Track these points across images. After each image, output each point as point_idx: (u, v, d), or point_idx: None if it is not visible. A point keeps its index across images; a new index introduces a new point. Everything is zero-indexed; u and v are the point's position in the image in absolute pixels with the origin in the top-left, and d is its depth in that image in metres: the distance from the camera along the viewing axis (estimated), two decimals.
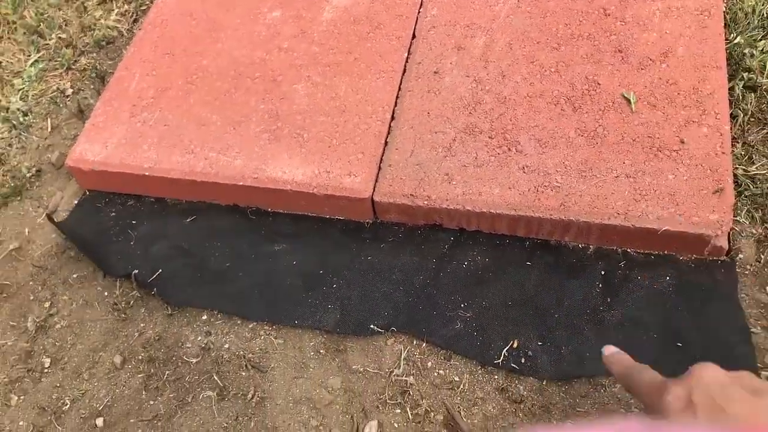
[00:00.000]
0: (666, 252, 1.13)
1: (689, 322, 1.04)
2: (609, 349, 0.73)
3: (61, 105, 1.45)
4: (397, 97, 1.30)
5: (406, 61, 1.35)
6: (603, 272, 1.11)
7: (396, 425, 0.99)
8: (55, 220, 1.27)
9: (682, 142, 1.16)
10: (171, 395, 1.06)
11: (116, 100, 1.36)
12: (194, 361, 1.09)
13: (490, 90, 1.28)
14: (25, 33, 1.57)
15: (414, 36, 1.39)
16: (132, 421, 1.04)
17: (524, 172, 1.16)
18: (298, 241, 1.20)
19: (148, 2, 1.60)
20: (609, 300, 1.08)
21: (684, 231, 1.07)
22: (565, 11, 1.37)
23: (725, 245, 1.08)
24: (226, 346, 1.10)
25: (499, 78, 1.29)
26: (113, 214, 1.28)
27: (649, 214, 1.09)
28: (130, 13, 1.58)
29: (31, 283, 1.21)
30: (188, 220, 1.25)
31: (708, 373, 0.60)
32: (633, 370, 0.68)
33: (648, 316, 1.05)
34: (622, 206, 1.10)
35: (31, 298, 1.20)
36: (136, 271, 1.17)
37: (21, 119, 1.42)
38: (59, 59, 1.51)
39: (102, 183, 1.31)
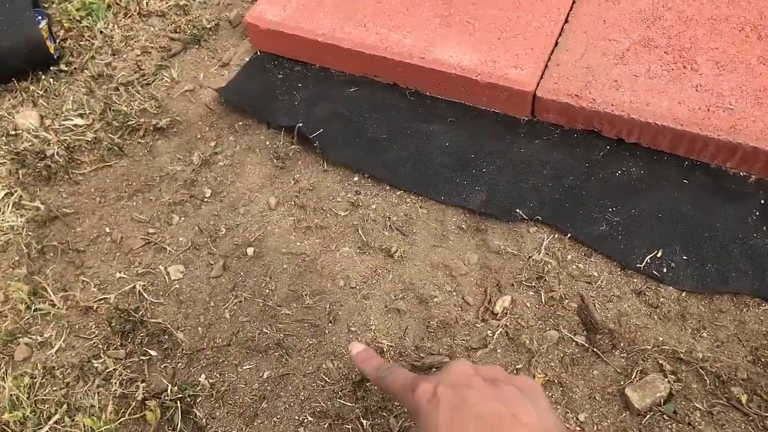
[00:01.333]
0: None
1: None
2: (356, 347, 0.82)
3: None
4: (573, 2, 1.29)
5: None
6: (762, 201, 1.08)
7: (528, 305, 1.02)
8: (227, 73, 1.35)
9: None
10: (317, 240, 1.12)
11: None
12: (342, 213, 1.15)
13: (673, 8, 1.24)
14: None
15: None
16: (279, 255, 1.11)
17: (697, 90, 1.14)
18: (453, 124, 1.23)
19: None
20: (765, 229, 1.05)
21: None
22: None
23: None
24: (374, 206, 1.15)
25: None
26: (280, 75, 1.35)
27: None
28: None
29: (200, 123, 1.30)
30: (351, 90, 1.30)
31: (457, 368, 0.65)
32: (383, 372, 0.75)
33: None
34: None
35: (198, 136, 1.28)
36: (301, 124, 1.23)
37: None
38: None
39: (274, 45, 1.37)
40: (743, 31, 1.20)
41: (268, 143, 1.26)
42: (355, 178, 1.19)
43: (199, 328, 1.05)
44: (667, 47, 1.20)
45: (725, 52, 1.18)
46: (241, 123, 1.29)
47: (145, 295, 1.09)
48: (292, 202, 1.17)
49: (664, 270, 1.03)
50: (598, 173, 1.14)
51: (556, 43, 1.24)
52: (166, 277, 1.11)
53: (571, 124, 1.21)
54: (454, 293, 1.05)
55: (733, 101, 1.12)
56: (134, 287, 1.10)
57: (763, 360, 0.93)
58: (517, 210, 1.11)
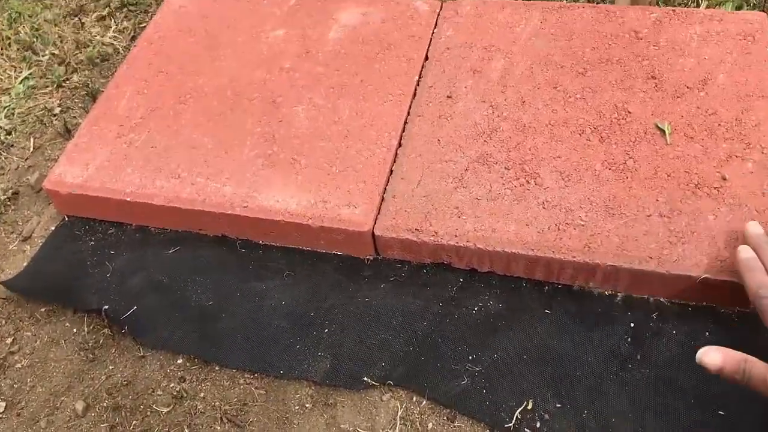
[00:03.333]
0: (705, 303, 0.98)
1: (732, 386, 0.89)
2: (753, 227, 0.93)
3: (47, 124, 1.36)
4: (405, 123, 1.19)
5: (417, 85, 1.24)
6: (632, 324, 0.97)
7: None
8: (29, 248, 1.17)
9: (724, 178, 1.03)
10: None
11: (103, 120, 1.26)
12: (165, 410, 0.96)
13: (508, 117, 1.16)
14: (18, 49, 1.49)
15: (426, 58, 1.28)
16: None
17: (544, 208, 1.03)
18: (289, 277, 1.08)
19: (148, 19, 1.51)
20: (639, 357, 0.94)
21: (726, 279, 0.93)
22: (593, 34, 1.25)
23: None
24: (201, 395, 0.97)
25: (518, 104, 1.17)
26: (92, 242, 1.17)
27: (686, 259, 0.95)
28: (129, 30, 1.50)
29: None
30: (171, 251, 1.13)
31: None
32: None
33: (684, 378, 0.91)
34: (656, 249, 0.97)
35: None
36: (107, 307, 1.05)
37: (3, 138, 1.32)
38: (50, 76, 1.43)
39: (81, 208, 1.20)
40: (584, 134, 1.12)
41: (75, 330, 1.07)
42: (179, 361, 1.01)
43: None
44: (507, 162, 1.10)
45: (568, 160, 1.09)
46: (44, 309, 1.10)
47: None
48: (105, 404, 0.98)
49: (537, 425, 0.90)
50: (453, 313, 1.01)
51: (391, 172, 1.12)
52: None
53: (419, 259, 1.08)
54: None
55: (583, 215, 1.02)
56: None
57: None
58: (366, 377, 0.95)
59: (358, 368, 0.96)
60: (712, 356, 0.76)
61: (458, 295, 1.03)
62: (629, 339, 0.95)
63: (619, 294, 1.01)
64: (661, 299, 1.00)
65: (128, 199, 1.14)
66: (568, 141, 1.11)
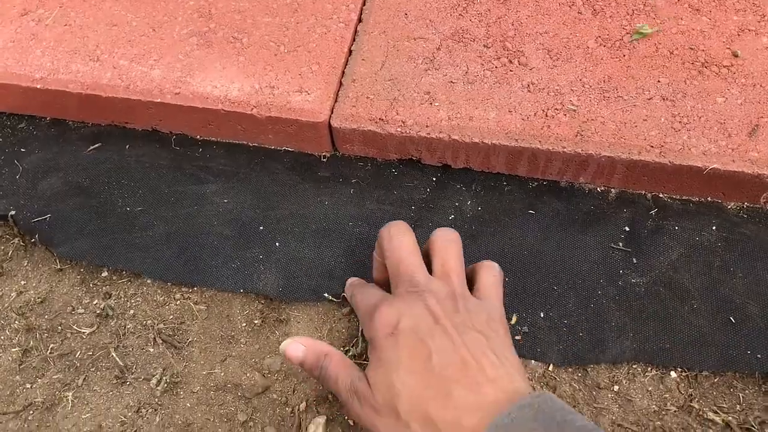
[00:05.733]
0: (710, 199, 0.86)
1: (742, 288, 0.78)
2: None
3: None
4: None
5: None
6: (627, 224, 0.85)
7: (351, 422, 0.74)
8: None
9: (735, 55, 0.89)
10: (56, 377, 0.79)
11: None
12: (87, 331, 0.82)
13: None
14: None
15: None
16: None
17: (529, 91, 0.89)
18: (233, 179, 0.92)
19: None
20: (635, 261, 0.82)
21: (737, 170, 0.81)
22: None
23: None
24: (131, 312, 0.83)
25: None
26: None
27: (692, 147, 0.82)
28: None
29: None
30: (91, 148, 0.96)
31: (428, 301, 0.62)
32: (356, 288, 0.73)
33: (688, 281, 0.79)
34: (657, 137, 0.83)
35: None
36: (14, 212, 0.88)
37: None
38: None
39: None
40: (574, 5, 0.96)
41: None
42: (104, 274, 0.86)
43: None
44: (487, 39, 0.94)
45: (557, 36, 0.93)
46: None
47: None
48: (15, 326, 0.83)
49: (521, 340, 0.78)
50: (425, 218, 0.88)
51: (350, 52, 0.96)
52: None
53: (384, 155, 0.93)
54: (251, 423, 0.75)
55: (574, 99, 0.87)
56: None
57: None
58: (326, 293, 0.82)
59: (316, 282, 0.83)
60: (294, 348, 0.67)
61: (431, 196, 0.89)
62: (624, 240, 0.83)
63: (612, 190, 0.88)
64: (660, 195, 0.87)
65: (38, 86, 0.96)
66: (557, 14, 0.95)
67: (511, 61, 0.91)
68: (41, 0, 1.04)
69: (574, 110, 0.86)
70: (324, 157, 0.95)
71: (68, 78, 0.96)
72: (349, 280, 0.79)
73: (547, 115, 0.86)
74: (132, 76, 0.95)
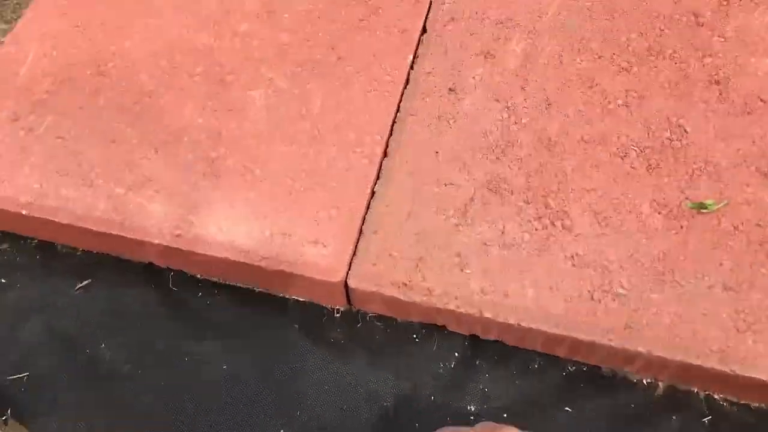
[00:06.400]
0: None
1: None
2: None
3: None
4: (393, 122, 0.91)
5: (411, 68, 0.95)
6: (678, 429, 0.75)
7: None
8: None
9: None
10: None
11: None
12: None
13: (529, 125, 0.89)
14: None
15: (424, 30, 0.99)
16: None
17: (573, 265, 0.79)
18: (234, 337, 0.83)
19: None
20: None
21: None
22: (641, 14, 0.97)
23: None
24: None
25: (542, 107, 0.90)
26: None
27: (759, 356, 0.72)
28: None
29: None
30: (79, 286, 0.86)
31: None
32: None
33: None
34: (718, 339, 0.73)
35: None
36: None
37: None
38: None
39: None
40: (627, 157, 0.85)
41: None
42: None
43: None
44: (527, 191, 0.84)
45: (606, 195, 0.83)
46: None
47: None
48: None
49: None
50: (447, 403, 0.78)
51: (373, 194, 0.86)
52: None
53: (406, 317, 0.83)
54: None
55: (624, 281, 0.77)
56: None
57: None
58: None
59: None
60: None
61: (454, 373, 0.80)
62: None
63: (660, 384, 0.78)
64: (715, 396, 0.77)
65: (24, 211, 0.86)
66: (607, 167, 0.85)
67: (553, 223, 0.81)
68: (35, 102, 0.94)
69: (624, 295, 0.76)
70: (337, 311, 0.85)
71: (57, 205, 0.86)
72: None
73: (593, 298, 0.76)
74: (128, 209, 0.85)
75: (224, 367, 0.80)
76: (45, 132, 0.91)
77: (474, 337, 0.82)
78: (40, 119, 0.93)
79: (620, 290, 0.76)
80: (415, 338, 0.82)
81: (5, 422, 0.76)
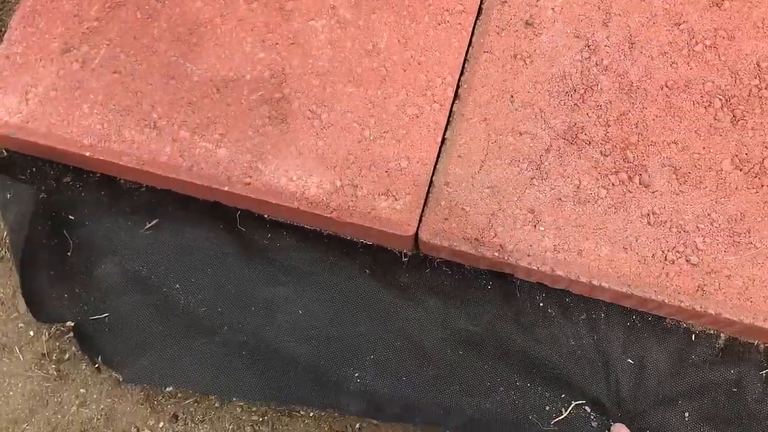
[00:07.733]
0: None
1: None
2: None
3: None
4: (465, 60, 0.86)
5: None
6: (736, 380, 0.78)
7: None
8: None
9: None
10: None
11: (42, 15, 0.90)
12: None
13: (610, 66, 0.84)
14: None
15: None
16: None
17: (649, 223, 0.78)
18: (305, 282, 0.84)
19: None
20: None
21: None
22: None
23: None
24: None
25: (624, 47, 0.85)
26: (43, 196, 0.90)
27: None
28: None
29: None
30: (147, 226, 0.87)
31: None
32: None
33: None
34: None
35: None
36: (71, 323, 0.81)
37: None
38: None
39: (25, 148, 0.90)
40: (711, 107, 0.82)
41: (32, 333, 0.84)
42: (168, 389, 0.81)
43: None
44: (605, 143, 0.81)
45: (687, 149, 0.80)
46: None
47: None
48: None
49: None
50: (525, 352, 0.80)
51: (444, 140, 0.83)
52: None
53: (474, 264, 0.84)
54: None
55: (699, 242, 0.77)
56: None
57: None
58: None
59: (401, 413, 0.78)
60: None
61: (527, 322, 0.81)
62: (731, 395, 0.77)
63: (722, 335, 0.80)
64: None
65: (87, 153, 0.85)
66: (690, 117, 0.82)
67: (631, 179, 0.80)
68: (85, 32, 0.89)
69: (699, 257, 0.76)
70: (405, 255, 0.86)
71: (122, 149, 0.84)
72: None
73: (666, 259, 0.76)
74: (195, 154, 0.83)
75: (300, 312, 0.82)
76: (100, 66, 0.88)
77: (542, 285, 0.83)
78: (93, 51, 0.88)
79: (695, 251, 0.76)
80: (483, 284, 0.83)
81: (98, 369, 0.80)
